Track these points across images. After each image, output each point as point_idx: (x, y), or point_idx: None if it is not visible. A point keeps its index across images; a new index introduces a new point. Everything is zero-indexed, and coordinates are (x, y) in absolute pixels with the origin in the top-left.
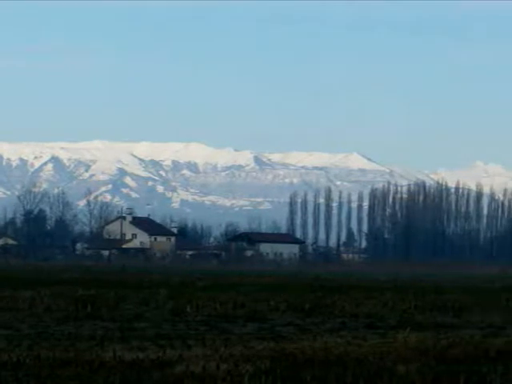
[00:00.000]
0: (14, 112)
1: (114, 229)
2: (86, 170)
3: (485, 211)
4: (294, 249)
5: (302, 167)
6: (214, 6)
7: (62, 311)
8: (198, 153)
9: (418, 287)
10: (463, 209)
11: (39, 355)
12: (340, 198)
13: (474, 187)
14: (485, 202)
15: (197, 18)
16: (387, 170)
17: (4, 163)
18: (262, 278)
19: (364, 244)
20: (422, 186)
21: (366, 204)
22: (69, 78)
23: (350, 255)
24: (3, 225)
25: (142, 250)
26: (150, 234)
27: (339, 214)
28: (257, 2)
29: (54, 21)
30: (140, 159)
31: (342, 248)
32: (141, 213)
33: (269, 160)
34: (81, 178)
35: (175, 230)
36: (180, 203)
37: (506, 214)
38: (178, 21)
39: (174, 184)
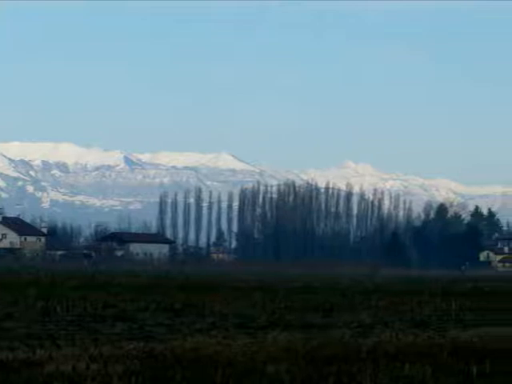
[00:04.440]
0: None
1: None
2: None
3: (354, 211)
4: (164, 249)
5: (172, 167)
6: (89, 4)
7: None
8: (67, 153)
9: (287, 287)
10: (333, 209)
11: None
12: (210, 197)
13: (344, 187)
14: (355, 201)
15: (68, 16)
16: (257, 170)
17: None
18: (132, 278)
19: (234, 244)
20: (291, 186)
21: (236, 204)
22: None
23: (220, 255)
24: None
25: (11, 250)
26: (20, 234)
27: (209, 214)
28: (138, 1)
29: None
30: (10, 159)
31: (212, 248)
32: (11, 213)
33: (138, 160)
34: None
35: (45, 230)
36: (50, 203)
37: (375, 213)
38: (46, 19)
39: (43, 184)
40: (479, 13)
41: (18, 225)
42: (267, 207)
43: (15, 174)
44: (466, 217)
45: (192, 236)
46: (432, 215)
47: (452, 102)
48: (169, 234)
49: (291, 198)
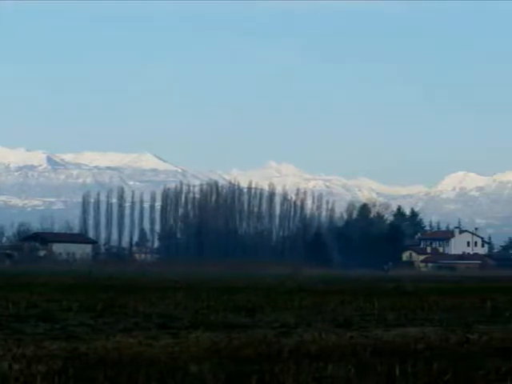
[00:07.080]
0: None
1: None
2: None
3: (277, 211)
4: (87, 249)
5: (95, 167)
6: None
7: None
8: None
9: (210, 287)
10: (255, 209)
11: None
12: (133, 197)
13: (266, 187)
14: (277, 201)
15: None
16: (180, 170)
17: None
18: (54, 278)
19: (157, 244)
20: (214, 186)
21: (158, 204)
22: None
23: (143, 255)
24: None
25: None
26: None
27: (132, 214)
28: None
29: None
30: None
31: (134, 248)
32: None
33: (61, 160)
34: None
35: None
36: None
37: (298, 213)
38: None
39: None
40: (391, 10)
41: None
42: (190, 207)
43: None
44: (388, 217)
45: (115, 236)
46: (354, 215)
47: (374, 102)
48: (91, 233)
49: (214, 198)
